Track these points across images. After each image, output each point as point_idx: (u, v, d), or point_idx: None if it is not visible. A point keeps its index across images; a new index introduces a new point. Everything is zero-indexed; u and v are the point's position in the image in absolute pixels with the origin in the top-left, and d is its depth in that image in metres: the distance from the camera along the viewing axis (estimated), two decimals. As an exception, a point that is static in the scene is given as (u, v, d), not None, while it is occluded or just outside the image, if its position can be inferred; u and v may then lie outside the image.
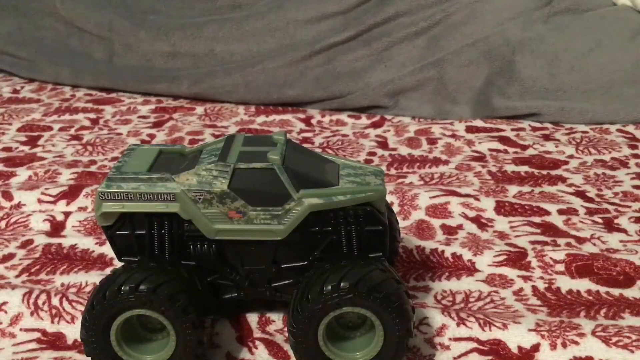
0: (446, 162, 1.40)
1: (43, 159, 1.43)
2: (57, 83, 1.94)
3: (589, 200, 1.23)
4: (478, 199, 1.21)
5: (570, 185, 1.29)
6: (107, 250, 1.06)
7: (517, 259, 1.04)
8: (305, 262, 0.85)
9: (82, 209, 1.20)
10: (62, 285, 0.99)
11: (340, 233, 0.83)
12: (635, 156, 1.42)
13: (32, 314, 0.91)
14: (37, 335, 0.89)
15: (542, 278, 1.00)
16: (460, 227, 1.14)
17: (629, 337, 0.85)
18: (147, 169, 0.85)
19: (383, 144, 1.52)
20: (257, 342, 0.88)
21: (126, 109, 1.76)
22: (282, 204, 0.81)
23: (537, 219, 1.16)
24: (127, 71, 1.90)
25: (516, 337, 0.86)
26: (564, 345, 0.85)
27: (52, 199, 1.22)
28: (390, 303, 0.76)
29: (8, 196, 1.22)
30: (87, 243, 1.10)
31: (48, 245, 1.09)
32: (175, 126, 1.63)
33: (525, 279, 1.00)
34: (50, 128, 1.61)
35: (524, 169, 1.36)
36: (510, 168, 1.37)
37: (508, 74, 1.66)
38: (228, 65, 1.83)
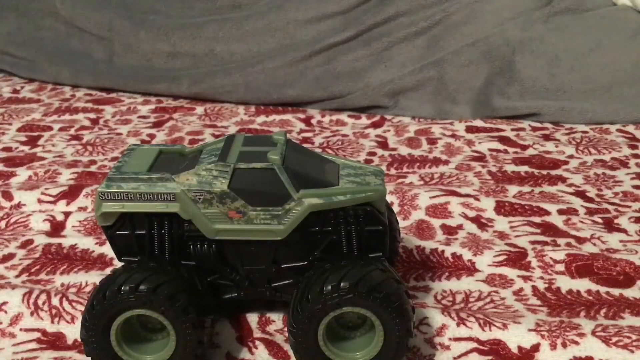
0: (446, 162, 1.40)
1: (43, 159, 1.43)
2: (57, 83, 1.94)
3: (589, 200, 1.23)
4: (478, 199, 1.21)
5: (570, 185, 1.29)
6: (107, 250, 1.06)
7: (517, 259, 1.04)
8: (305, 262, 0.85)
9: (82, 209, 1.20)
10: (62, 285, 0.99)
11: (340, 233, 0.83)
12: (635, 156, 1.42)
13: (32, 314, 0.91)
14: (37, 335, 0.89)
15: (542, 278, 1.00)
16: (460, 227, 1.14)
17: (629, 337, 0.85)
18: (147, 169, 0.85)
19: (383, 144, 1.52)
20: (257, 342, 0.88)
21: (126, 109, 1.76)
22: (282, 204, 0.81)
23: (537, 219, 1.16)
24: (127, 71, 1.90)
25: (516, 337, 0.86)
26: (564, 345, 0.85)
27: (52, 199, 1.22)
28: (390, 303, 0.76)
29: (8, 196, 1.22)
30: (87, 243, 1.10)
31: (48, 245, 1.09)
32: (175, 126, 1.63)
33: (525, 279, 1.00)
34: (50, 128, 1.61)
35: (524, 169, 1.36)
36: (510, 168, 1.37)
37: (508, 74, 1.66)
38: (228, 65, 1.83)
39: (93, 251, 1.08)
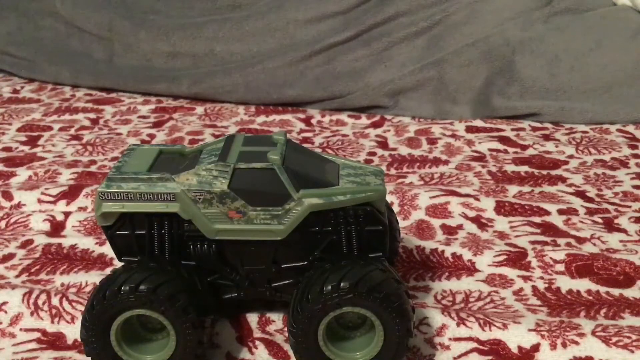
0: (446, 162, 1.40)
1: (43, 159, 1.43)
2: (57, 83, 1.94)
3: (589, 200, 1.23)
4: (478, 199, 1.21)
5: (570, 185, 1.29)
6: (107, 250, 1.06)
7: (517, 259, 1.04)
8: (305, 262, 0.85)
9: (82, 209, 1.20)
10: (62, 285, 0.99)
11: (340, 233, 0.83)
12: (635, 156, 1.42)
13: (32, 314, 0.91)
14: (37, 335, 0.89)
15: (542, 278, 1.00)
16: (460, 227, 1.14)
17: (629, 337, 0.85)
18: (147, 169, 0.85)
19: (383, 144, 1.52)
20: (257, 342, 0.88)
21: (126, 109, 1.76)
22: (282, 204, 0.81)
23: (537, 219, 1.16)
24: (127, 71, 1.90)
25: (516, 337, 0.86)
26: (564, 345, 0.85)
27: (52, 199, 1.22)
28: (390, 303, 0.76)
29: (8, 196, 1.22)
30: (87, 243, 1.10)
31: (48, 245, 1.09)
32: (175, 126, 1.63)
33: (525, 279, 1.00)
34: (50, 128, 1.61)
35: (524, 169, 1.36)
36: (510, 168, 1.37)
37: (508, 74, 1.66)
38: (228, 65, 1.83)
39: (93, 251, 1.08)
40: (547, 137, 1.53)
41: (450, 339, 0.87)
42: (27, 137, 1.56)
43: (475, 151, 1.46)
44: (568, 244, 1.08)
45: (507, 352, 0.85)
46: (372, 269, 0.78)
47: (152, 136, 1.57)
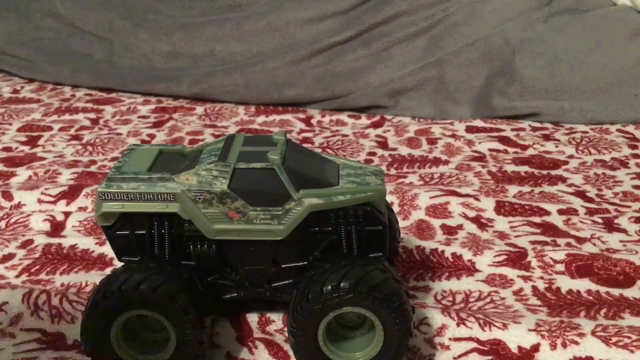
0: (446, 162, 1.40)
1: (43, 159, 1.43)
2: (57, 83, 1.94)
3: (589, 200, 1.23)
4: (478, 199, 1.21)
5: (570, 185, 1.29)
6: (107, 250, 1.06)
7: (517, 259, 1.04)
8: (305, 262, 0.85)
9: (82, 209, 1.20)
10: (62, 285, 0.99)
11: (340, 233, 0.83)
12: (635, 156, 1.42)
13: (32, 314, 0.91)
14: (37, 335, 0.89)
15: (542, 278, 1.00)
16: (460, 227, 1.14)
17: (629, 337, 0.85)
18: (147, 169, 0.85)
19: (383, 144, 1.52)
20: (257, 342, 0.88)
21: (126, 109, 1.76)
22: (282, 204, 0.81)
23: (537, 219, 1.16)
24: (127, 71, 1.90)
25: (516, 337, 0.86)
26: (564, 345, 0.85)
27: (52, 199, 1.22)
28: (390, 303, 0.76)
29: (8, 196, 1.22)
30: (87, 243, 1.10)
31: (48, 245, 1.09)
32: (175, 126, 1.63)
33: (525, 279, 1.00)
34: (50, 128, 1.61)
35: (524, 169, 1.36)
36: (510, 168, 1.37)
37: (508, 74, 1.66)
38: (228, 65, 1.83)
39: (93, 251, 1.08)
40: (547, 137, 1.53)
41: (450, 339, 0.87)
42: (27, 137, 1.56)
43: (475, 151, 1.46)
44: (568, 244, 1.08)
45: (507, 352, 0.85)
46: (372, 269, 0.78)
47: (152, 136, 1.57)
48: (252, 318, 0.91)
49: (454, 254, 1.05)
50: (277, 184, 0.81)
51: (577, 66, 1.64)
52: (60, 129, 1.61)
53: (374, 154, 1.46)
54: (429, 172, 1.36)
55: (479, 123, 1.60)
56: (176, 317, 0.77)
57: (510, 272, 1.01)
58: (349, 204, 0.82)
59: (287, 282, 0.86)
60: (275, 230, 0.82)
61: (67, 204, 1.21)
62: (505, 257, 1.04)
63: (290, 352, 0.84)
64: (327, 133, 1.59)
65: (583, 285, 0.98)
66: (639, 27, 1.69)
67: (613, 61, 1.64)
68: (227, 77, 1.78)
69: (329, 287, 0.76)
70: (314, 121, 1.67)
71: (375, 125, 1.64)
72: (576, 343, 0.85)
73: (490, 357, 0.85)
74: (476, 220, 1.16)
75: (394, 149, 1.48)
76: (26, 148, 1.49)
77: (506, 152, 1.45)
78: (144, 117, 1.70)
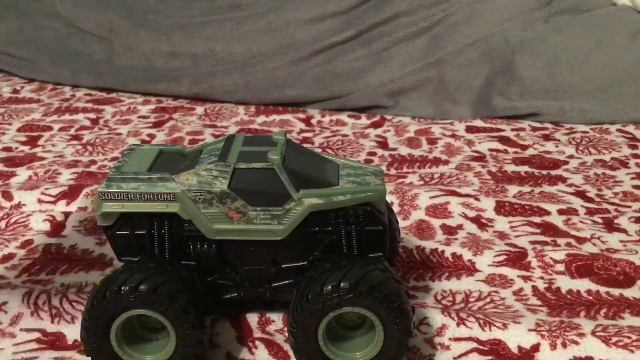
0: (446, 162, 1.40)
1: (43, 159, 1.43)
2: (57, 83, 1.94)
3: (589, 200, 1.23)
4: (478, 199, 1.21)
5: (570, 185, 1.29)
6: (107, 250, 1.06)
7: (517, 259, 1.04)
8: (305, 262, 0.85)
9: (82, 209, 1.21)
10: (62, 285, 0.99)
11: (340, 233, 0.83)
12: (635, 156, 1.42)
13: (32, 314, 0.91)
14: (37, 335, 0.89)
15: (542, 278, 1.00)
16: (460, 227, 1.14)
17: (629, 337, 0.85)
18: (147, 169, 0.85)
19: (383, 144, 1.52)
20: (257, 342, 0.88)
21: (126, 109, 1.76)
22: (282, 204, 0.81)
23: (537, 219, 1.16)
24: (127, 71, 1.90)
25: (516, 337, 0.86)
26: (564, 345, 0.85)
27: (52, 199, 1.22)
28: (390, 303, 0.76)
29: (8, 196, 1.22)
30: (87, 243, 1.10)
31: (48, 245, 1.09)
32: (175, 126, 1.63)
33: (525, 279, 1.00)
34: (50, 128, 1.61)
35: (524, 169, 1.36)
36: (510, 168, 1.37)
37: (508, 74, 1.66)
38: (228, 65, 1.83)
39: (93, 251, 1.08)
40: (547, 137, 1.53)
41: (450, 339, 0.87)
42: (27, 137, 1.56)
43: (475, 151, 1.46)
44: (568, 244, 1.08)
45: (507, 352, 0.85)
46: (372, 269, 0.78)
47: (152, 136, 1.57)
48: (252, 318, 0.91)
49: (454, 254, 1.05)
50: (277, 184, 0.81)
51: (577, 66, 1.65)
52: (60, 129, 1.61)
53: (374, 154, 1.46)
54: (429, 172, 1.36)
55: (479, 123, 1.60)
56: (176, 317, 0.77)
57: (510, 272, 1.01)
58: (349, 204, 0.82)
59: (287, 282, 0.86)
60: (275, 230, 0.82)
61: (67, 204, 1.21)
62: (505, 257, 1.04)
63: (290, 352, 0.84)
64: (327, 133, 1.59)
65: (583, 285, 0.98)
66: (639, 27, 1.69)
67: (613, 61, 1.64)
68: (227, 77, 1.78)
69: (329, 287, 0.76)
70: (314, 121, 1.67)
71: (375, 125, 1.64)
72: (576, 343, 0.85)
73: (490, 357, 0.85)
74: (476, 220, 1.16)
75: (394, 149, 1.48)
76: (26, 148, 1.49)
77: (506, 152, 1.45)
78: (144, 117, 1.70)
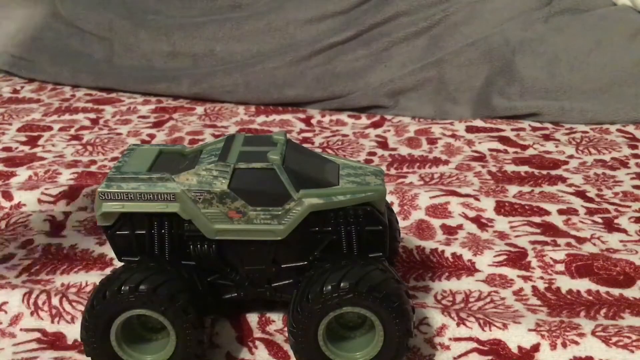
0: (446, 162, 1.40)
1: (43, 159, 1.43)
2: (57, 83, 1.94)
3: (589, 200, 1.23)
4: (478, 199, 1.21)
5: (570, 185, 1.29)
6: (107, 250, 1.06)
7: (517, 259, 1.04)
8: (305, 262, 0.85)
9: (82, 209, 1.21)
10: (62, 285, 0.99)
11: (340, 233, 0.83)
12: (635, 156, 1.42)
13: (32, 314, 0.91)
14: (37, 335, 0.89)
15: (542, 278, 1.00)
16: (460, 227, 1.14)
17: (629, 337, 0.85)
18: (147, 169, 0.85)
19: (383, 144, 1.52)
20: (257, 342, 0.88)
21: (126, 109, 1.76)
22: (282, 204, 0.81)
23: (537, 219, 1.16)
24: (127, 71, 1.90)
25: (516, 337, 0.86)
26: (564, 345, 0.85)
27: (52, 199, 1.22)
28: (390, 303, 0.76)
29: (8, 196, 1.22)
30: (87, 243, 1.10)
31: (48, 245, 1.09)
32: (175, 126, 1.63)
33: (525, 279, 1.00)
34: (50, 128, 1.61)
35: (524, 169, 1.36)
36: (510, 168, 1.37)
37: (508, 74, 1.66)
38: (228, 65, 1.83)
39: (93, 251, 1.08)
40: (547, 137, 1.53)
41: (450, 339, 0.87)
42: (27, 137, 1.56)
43: (475, 151, 1.46)
44: (568, 244, 1.08)
45: (507, 352, 0.85)
46: (372, 269, 0.78)
47: (152, 136, 1.57)
48: (252, 318, 0.91)
49: (454, 254, 1.05)
50: (277, 184, 0.81)
51: (577, 66, 1.65)
52: (60, 129, 1.61)
53: (374, 154, 1.46)
54: (429, 172, 1.36)
55: (479, 123, 1.60)
56: (176, 317, 0.77)
57: (510, 272, 1.01)
58: (349, 204, 0.82)
59: (287, 282, 0.86)
60: (275, 230, 0.82)
61: (67, 204, 1.21)
62: (505, 257, 1.04)
63: (290, 352, 0.84)
64: (327, 133, 1.59)
65: (583, 285, 0.98)
66: (639, 27, 1.69)
67: (613, 61, 1.64)
68: (227, 77, 1.78)
69: (329, 287, 0.76)
70: (314, 121, 1.67)
71: (375, 125, 1.64)
72: (576, 343, 0.85)
73: (490, 357, 0.85)
74: (476, 220, 1.16)
75: (394, 149, 1.48)
76: (26, 148, 1.49)
77: (506, 152, 1.45)
78: (144, 117, 1.70)
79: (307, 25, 1.84)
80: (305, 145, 1.46)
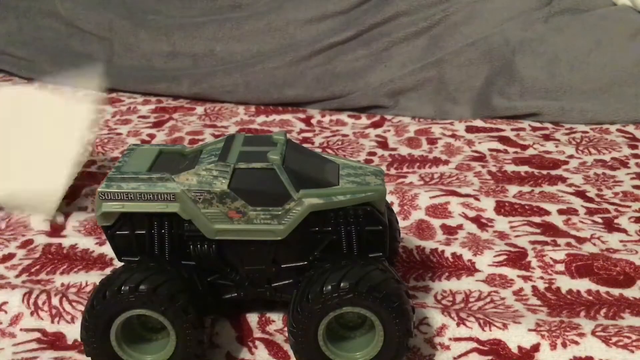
0: (446, 162, 1.40)
1: (43, 159, 1.42)
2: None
3: (589, 200, 1.23)
4: (478, 199, 1.21)
5: (570, 185, 1.29)
6: (107, 250, 1.06)
7: (517, 259, 1.04)
8: (305, 262, 0.85)
9: (82, 209, 1.20)
10: (62, 285, 0.99)
11: (340, 233, 0.83)
12: (635, 156, 1.42)
13: (32, 314, 0.91)
14: (37, 335, 0.89)
15: (542, 278, 1.00)
16: (460, 227, 1.14)
17: (629, 337, 0.85)
18: (147, 169, 0.85)
19: (383, 144, 1.52)
20: (257, 342, 0.88)
21: (126, 109, 1.76)
22: (282, 204, 0.81)
23: (537, 219, 1.16)
24: (127, 71, 1.90)
25: (516, 337, 0.86)
26: (564, 345, 0.85)
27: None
28: (390, 303, 0.76)
29: (8, 196, 1.23)
30: (87, 243, 1.10)
31: (48, 245, 1.09)
32: (175, 126, 1.63)
33: (525, 279, 1.00)
34: (50, 128, 1.61)
35: (524, 169, 1.36)
36: (510, 168, 1.37)
37: (508, 74, 1.66)
38: (228, 65, 1.83)
39: (93, 251, 1.08)
40: (547, 137, 1.53)
41: (450, 339, 0.87)
42: (27, 137, 1.56)
43: (475, 151, 1.46)
44: (568, 244, 1.08)
45: (507, 352, 0.85)
46: (372, 269, 0.78)
47: (152, 136, 1.57)
48: (252, 318, 0.91)
49: (454, 254, 1.05)
50: (277, 184, 0.81)
51: (577, 66, 1.65)
52: (60, 129, 1.60)
53: (374, 154, 1.46)
54: (429, 172, 1.36)
55: (479, 123, 1.60)
56: (176, 317, 0.77)
57: (510, 272, 1.01)
58: (349, 204, 0.82)
59: (287, 282, 0.86)
60: (275, 230, 0.82)
61: (67, 204, 1.21)
62: (505, 257, 1.04)
63: (290, 352, 0.84)
64: (327, 133, 1.59)
65: (583, 285, 0.98)
66: (639, 27, 1.69)
67: (613, 61, 1.64)
68: (227, 77, 1.78)
69: (329, 287, 0.76)
70: (314, 121, 1.67)
71: (375, 125, 1.64)
72: (576, 343, 0.85)
73: (490, 357, 0.85)
74: (476, 220, 1.16)
75: (394, 149, 1.48)
76: (26, 148, 1.49)
77: (506, 152, 1.45)
78: (144, 117, 1.70)
79: (307, 25, 1.84)
80: (305, 145, 1.46)
